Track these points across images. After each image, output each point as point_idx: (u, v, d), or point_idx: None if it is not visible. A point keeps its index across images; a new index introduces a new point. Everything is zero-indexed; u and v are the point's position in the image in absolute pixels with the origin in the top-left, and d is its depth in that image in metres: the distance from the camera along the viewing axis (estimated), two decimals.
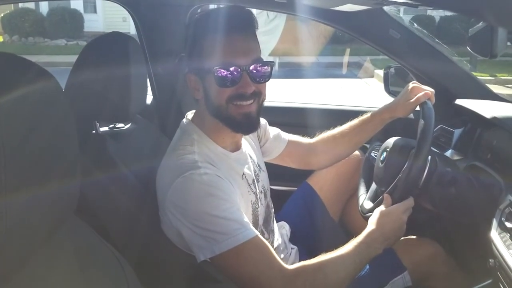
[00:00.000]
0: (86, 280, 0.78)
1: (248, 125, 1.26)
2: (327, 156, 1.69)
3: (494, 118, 1.45)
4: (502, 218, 1.24)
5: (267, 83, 1.26)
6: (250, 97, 1.22)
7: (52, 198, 0.69)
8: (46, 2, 14.15)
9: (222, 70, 1.18)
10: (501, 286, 1.17)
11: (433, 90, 1.47)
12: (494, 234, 1.23)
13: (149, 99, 2.12)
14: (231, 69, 1.18)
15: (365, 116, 1.63)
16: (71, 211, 0.77)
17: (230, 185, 1.21)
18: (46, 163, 0.68)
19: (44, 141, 0.67)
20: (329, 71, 10.05)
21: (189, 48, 1.27)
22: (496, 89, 1.87)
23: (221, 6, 1.30)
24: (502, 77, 9.02)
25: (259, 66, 1.22)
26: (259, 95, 1.24)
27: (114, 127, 1.56)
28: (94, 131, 1.44)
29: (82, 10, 14.98)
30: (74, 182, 0.75)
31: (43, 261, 0.74)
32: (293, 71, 9.46)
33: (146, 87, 1.59)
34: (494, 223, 1.26)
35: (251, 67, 1.20)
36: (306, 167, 1.75)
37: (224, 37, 1.19)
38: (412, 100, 1.46)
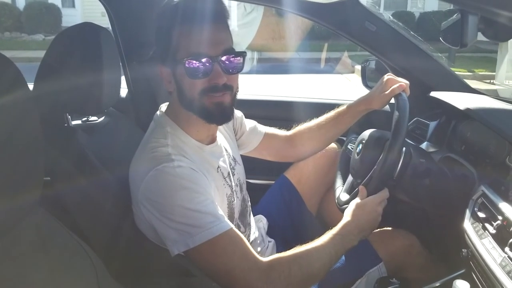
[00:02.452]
0: (51, 271, 0.76)
1: (222, 115, 1.24)
2: (304, 148, 1.69)
3: (468, 110, 1.46)
4: (475, 209, 1.26)
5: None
6: (222, 89, 1.20)
7: (12, 190, 0.67)
8: None
9: (194, 62, 1.16)
10: (474, 276, 1.19)
11: (407, 82, 1.47)
12: (467, 224, 1.24)
13: (124, 92, 2.09)
14: (203, 60, 1.16)
15: (341, 108, 1.63)
16: (34, 203, 0.74)
17: (204, 178, 1.20)
18: (6, 155, 0.65)
19: (6, 138, 0.65)
20: (310, 66, 10.07)
21: (159, 39, 1.25)
22: (474, 84, 1.90)
23: None
24: (480, 73, 9.18)
25: (231, 57, 1.20)
26: (231, 88, 1.23)
27: (87, 120, 1.53)
28: (66, 124, 1.41)
29: (60, 5, 14.74)
30: (37, 174, 0.73)
31: (6, 253, 0.72)
32: (273, 66, 9.44)
33: (120, 79, 1.55)
34: (467, 213, 1.27)
35: (223, 58, 1.18)
36: (283, 159, 1.75)
37: (194, 27, 1.17)
38: (387, 92, 1.46)
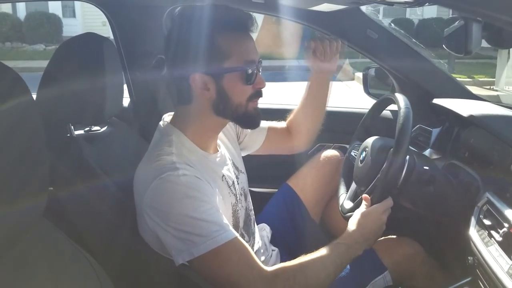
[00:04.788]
0: (55, 281, 0.76)
1: (259, 120, 1.31)
2: (300, 135, 1.70)
3: (471, 117, 1.46)
4: (480, 216, 1.25)
5: None
6: (262, 94, 1.27)
7: (16, 205, 0.67)
8: (24, 7, 13.97)
9: (249, 68, 1.20)
10: (480, 283, 1.18)
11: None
12: (473, 231, 1.24)
13: (127, 101, 2.09)
14: (255, 66, 1.21)
15: (307, 82, 1.67)
16: (38, 216, 0.74)
17: (209, 186, 1.19)
18: (10, 170, 0.65)
19: (11, 148, 0.65)
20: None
21: (188, 47, 1.20)
22: (474, 90, 1.90)
23: (200, 4, 1.26)
24: (480, 79, 9.20)
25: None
26: None
27: (90, 130, 1.53)
28: (68, 135, 1.41)
29: (60, 15, 14.81)
30: (42, 187, 0.72)
31: (10, 267, 0.71)
32: (273, 74, 9.45)
33: (123, 89, 1.55)
34: (473, 220, 1.26)
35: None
36: (287, 151, 1.75)
37: (242, 34, 1.21)
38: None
